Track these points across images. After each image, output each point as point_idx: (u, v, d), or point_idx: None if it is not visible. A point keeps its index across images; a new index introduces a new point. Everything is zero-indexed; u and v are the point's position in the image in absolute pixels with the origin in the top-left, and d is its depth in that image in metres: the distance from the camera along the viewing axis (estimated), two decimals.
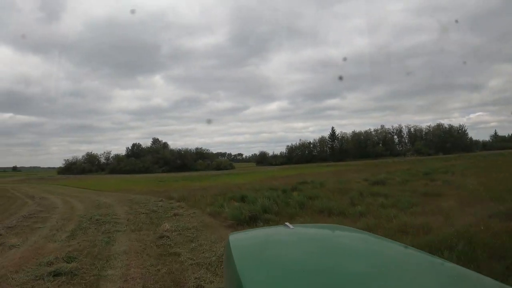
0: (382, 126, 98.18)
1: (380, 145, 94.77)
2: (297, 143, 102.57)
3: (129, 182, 37.52)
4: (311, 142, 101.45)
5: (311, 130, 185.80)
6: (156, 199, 16.07)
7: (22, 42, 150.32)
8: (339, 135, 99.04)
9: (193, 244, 6.91)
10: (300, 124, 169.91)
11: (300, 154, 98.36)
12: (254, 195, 14.12)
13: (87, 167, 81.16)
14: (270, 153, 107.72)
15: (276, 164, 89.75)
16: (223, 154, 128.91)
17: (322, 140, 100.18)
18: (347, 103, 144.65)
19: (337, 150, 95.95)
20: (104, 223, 9.84)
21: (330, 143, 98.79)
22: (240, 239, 2.19)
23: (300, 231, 2.18)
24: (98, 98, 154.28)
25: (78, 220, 10.66)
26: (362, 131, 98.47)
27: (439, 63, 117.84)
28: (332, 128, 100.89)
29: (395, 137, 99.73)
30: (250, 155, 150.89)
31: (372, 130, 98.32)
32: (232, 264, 1.60)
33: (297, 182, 23.81)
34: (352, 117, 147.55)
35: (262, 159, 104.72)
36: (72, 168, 79.42)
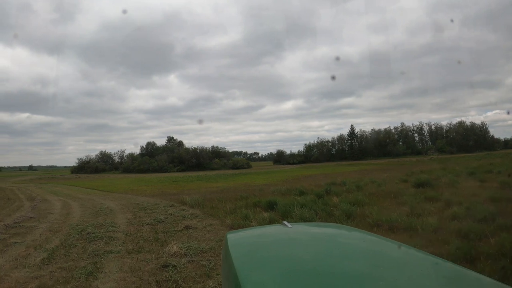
0: (402, 124, 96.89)
1: (400, 143, 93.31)
2: (315, 142, 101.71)
3: (141, 182, 35.90)
4: (329, 140, 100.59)
5: (326, 129, 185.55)
6: (167, 203, 14.05)
7: (38, 44, 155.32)
8: (358, 133, 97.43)
9: (211, 283, 4.73)
10: (315, 123, 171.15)
11: (318, 153, 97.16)
12: (284, 200, 11.95)
13: (100, 166, 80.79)
14: (287, 152, 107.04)
15: (294, 163, 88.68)
16: (239, 153, 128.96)
17: (340, 138, 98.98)
18: (363, 101, 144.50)
19: (356, 148, 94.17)
20: (96, 238, 7.80)
21: (350, 141, 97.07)
22: (238, 238, 2.20)
23: (298, 230, 2.20)
24: (114, 97, 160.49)
25: (67, 232, 8.69)
26: (382, 128, 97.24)
27: (455, 60, 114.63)
28: (351, 125, 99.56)
29: (415, 135, 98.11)
30: (266, 154, 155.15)
31: (392, 128, 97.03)
32: (230, 263, 1.62)
33: (327, 184, 21.70)
34: (368, 116, 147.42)
35: (279, 158, 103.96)
36: (85, 167, 79.15)
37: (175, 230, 8.25)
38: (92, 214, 11.80)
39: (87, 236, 8.08)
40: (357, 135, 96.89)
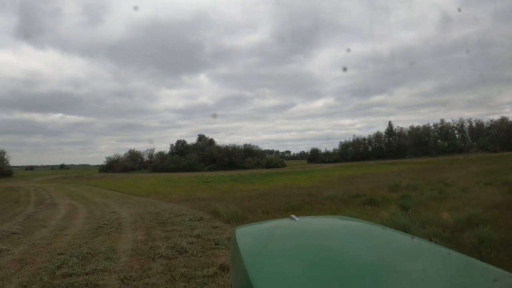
0: (442, 121, 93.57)
1: (439, 141, 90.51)
2: (351, 140, 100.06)
3: (169, 182, 33.37)
4: (365, 138, 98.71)
5: (358, 127, 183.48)
6: (194, 214, 10.90)
7: (69, 46, 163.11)
8: (396, 130, 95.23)
9: None
10: (347, 121, 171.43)
11: (354, 151, 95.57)
12: (359, 214, 8.48)
13: (129, 164, 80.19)
14: (322, 150, 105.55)
15: (329, 162, 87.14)
16: (270, 152, 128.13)
17: (377, 136, 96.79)
18: (394, 99, 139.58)
19: (394, 146, 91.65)
20: (72, 286, 4.71)
21: (388, 139, 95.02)
22: (246, 232, 2.26)
23: (306, 223, 2.23)
24: (145, 97, 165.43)
25: (36, 269, 5.67)
26: (420, 126, 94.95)
27: (489, 55, 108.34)
28: (389, 122, 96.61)
29: (455, 132, 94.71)
30: (298, 152, 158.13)
31: (431, 125, 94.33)
32: (239, 258, 1.65)
33: (390, 187, 18.05)
34: (400, 114, 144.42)
35: (314, 157, 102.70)
36: (114, 166, 78.80)
37: (204, 275, 4.95)
38: (93, 231, 8.82)
39: (60, 281, 5.00)
40: (395, 133, 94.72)
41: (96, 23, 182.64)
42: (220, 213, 10.34)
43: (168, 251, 6.21)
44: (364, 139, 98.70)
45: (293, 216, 2.23)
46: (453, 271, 1.41)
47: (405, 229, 6.33)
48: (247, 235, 2.18)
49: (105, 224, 9.61)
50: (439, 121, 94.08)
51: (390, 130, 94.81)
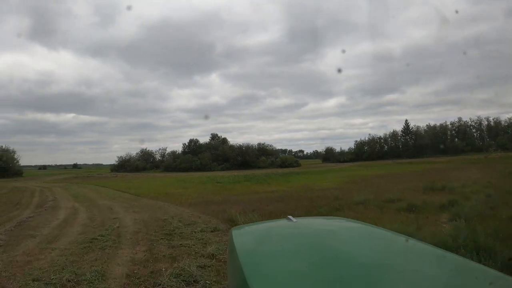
0: (460, 119, 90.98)
1: (456, 140, 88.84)
2: (366, 138, 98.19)
3: (180, 183, 32.10)
4: (381, 137, 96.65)
5: (370, 126, 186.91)
6: (207, 224, 9.37)
7: (81, 47, 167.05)
8: (412, 129, 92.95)
9: None
10: (359, 120, 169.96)
11: (370, 150, 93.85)
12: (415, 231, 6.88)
13: (140, 164, 79.33)
14: (335, 149, 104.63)
15: (344, 161, 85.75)
16: (283, 151, 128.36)
17: (394, 134, 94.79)
18: (407, 98, 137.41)
19: (410, 145, 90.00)
20: None
21: (405, 137, 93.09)
22: (243, 233, 2.30)
23: (303, 224, 2.23)
24: (157, 97, 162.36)
25: None
26: (437, 124, 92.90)
27: (503, 52, 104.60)
28: (406, 121, 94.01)
29: (473, 130, 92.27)
30: (312, 151, 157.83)
31: (448, 123, 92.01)
32: (235, 258, 1.64)
33: (425, 188, 16.40)
34: (412, 112, 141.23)
35: (328, 156, 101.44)
36: (125, 165, 78.04)
37: None
38: (86, 244, 7.41)
39: None
40: (411, 131, 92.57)
41: (108, 24, 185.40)
42: (237, 221, 8.81)
43: (172, 280, 4.70)
44: (379, 138, 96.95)
45: (290, 217, 2.21)
46: (450, 273, 1.41)
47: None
48: (244, 235, 2.22)
49: (101, 236, 8.18)
50: (456, 119, 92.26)
51: (406, 129, 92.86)
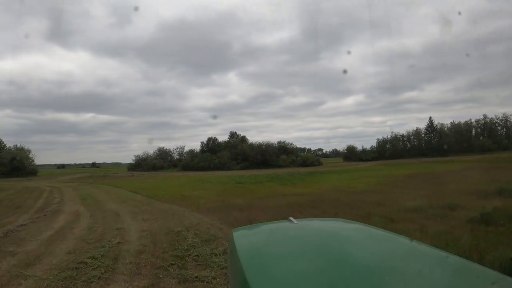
0: (485, 116, 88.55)
1: (481, 138, 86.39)
2: (388, 136, 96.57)
3: (198, 182, 30.33)
4: (404, 134, 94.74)
5: (389, 124, 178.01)
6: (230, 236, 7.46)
7: (98, 47, 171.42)
8: (437, 126, 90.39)
9: None
10: (377, 118, 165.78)
11: (392, 149, 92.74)
12: None
13: (158, 163, 78.22)
14: (357, 148, 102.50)
15: (366, 160, 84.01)
16: (302, 150, 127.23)
17: (417, 132, 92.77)
18: (426, 96, 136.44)
19: (435, 143, 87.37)
20: None
21: (429, 135, 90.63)
22: (244, 234, 2.34)
23: (304, 226, 2.26)
24: (175, 96, 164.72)
25: None
26: (461, 121, 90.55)
27: None
28: (430, 118, 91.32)
29: (498, 128, 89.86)
30: (331, 150, 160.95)
31: (473, 120, 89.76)
32: (236, 260, 1.66)
33: (480, 191, 14.19)
34: (431, 110, 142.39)
35: (350, 154, 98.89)
36: (142, 164, 77.07)
37: None
38: (70, 271, 5.54)
39: None
40: (435, 129, 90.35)
41: (124, 24, 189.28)
42: None
43: None
44: (402, 136, 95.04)
45: (291, 218, 2.24)
46: (452, 274, 1.43)
47: None
48: (245, 236, 2.24)
49: (93, 258, 6.27)
50: (481, 117, 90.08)
51: (430, 126, 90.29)
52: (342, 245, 1.81)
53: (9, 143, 71.73)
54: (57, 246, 7.57)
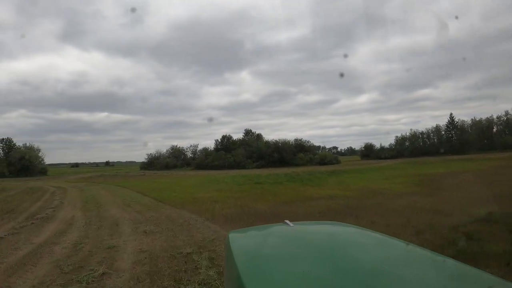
0: (507, 112, 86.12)
1: (503, 134, 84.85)
2: (407, 134, 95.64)
3: (213, 183, 28.27)
4: (423, 132, 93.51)
5: (403, 122, 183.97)
6: None
7: (112, 47, 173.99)
8: (457, 123, 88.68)
9: None
10: (392, 116, 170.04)
11: (412, 147, 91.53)
12: None
13: (171, 162, 76.76)
14: (375, 145, 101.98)
15: (385, 158, 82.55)
16: (316, 148, 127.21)
17: (437, 129, 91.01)
18: (440, 93, 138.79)
19: (454, 141, 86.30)
20: None
21: (451, 132, 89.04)
22: (240, 237, 2.27)
23: (300, 229, 2.25)
24: (188, 95, 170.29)
25: None
26: (483, 118, 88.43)
27: None
28: (451, 114, 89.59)
29: None
30: (346, 148, 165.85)
31: (494, 117, 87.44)
32: (232, 263, 1.66)
33: None
34: (446, 108, 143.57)
35: (368, 152, 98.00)
36: (155, 163, 75.76)
37: None
38: None
39: None
40: (456, 126, 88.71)
41: (137, 24, 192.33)
42: None
43: None
44: (421, 133, 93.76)
45: (287, 221, 2.25)
46: (448, 278, 1.42)
47: None
48: (241, 239, 2.19)
49: None
50: (503, 113, 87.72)
51: (451, 123, 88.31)
52: (338, 248, 1.82)
53: (25, 142, 71.33)
54: (21, 276, 5.55)
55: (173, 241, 7.67)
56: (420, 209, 10.98)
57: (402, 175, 28.96)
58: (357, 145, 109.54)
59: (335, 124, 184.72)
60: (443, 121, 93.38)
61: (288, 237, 2.03)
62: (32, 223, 11.06)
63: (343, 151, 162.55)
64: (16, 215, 13.12)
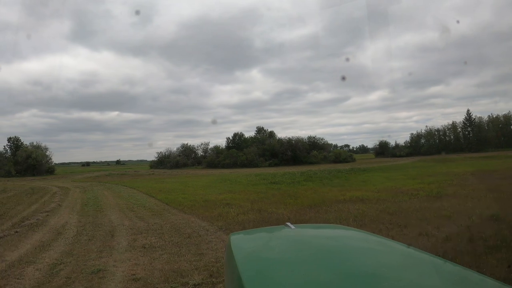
0: None
1: None
2: (423, 131, 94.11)
3: (225, 183, 26.64)
4: (439, 129, 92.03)
5: (415, 120, 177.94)
6: None
7: (122, 47, 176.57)
8: (475, 120, 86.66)
9: None
10: (403, 114, 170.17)
11: (428, 144, 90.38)
12: None
13: (181, 160, 75.44)
14: (390, 143, 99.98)
15: (400, 156, 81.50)
16: (330, 145, 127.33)
17: (454, 126, 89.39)
18: (452, 90, 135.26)
19: (472, 138, 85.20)
20: None
21: (468, 129, 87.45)
22: (241, 239, 2.26)
23: (301, 231, 2.22)
24: (199, 94, 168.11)
25: None
26: (500, 114, 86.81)
27: None
28: (468, 111, 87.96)
29: None
30: (358, 146, 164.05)
31: (511, 113, 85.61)
32: (233, 264, 1.64)
33: None
34: (458, 105, 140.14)
35: (383, 150, 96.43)
36: (165, 162, 74.60)
37: None
38: None
39: None
40: (473, 123, 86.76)
41: (147, 23, 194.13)
42: None
43: None
44: (437, 130, 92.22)
45: (288, 223, 2.18)
46: (449, 282, 1.40)
47: None
48: (242, 241, 2.18)
49: None
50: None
51: (468, 120, 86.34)
52: (339, 251, 1.79)
53: (37, 141, 70.87)
54: None
55: (177, 262, 6.00)
56: (479, 216, 9.11)
57: (428, 174, 26.91)
58: (369, 143, 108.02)
59: (346, 122, 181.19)
60: (455, 119, 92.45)
61: (289, 240, 2.01)
62: (16, 231, 9.58)
63: (355, 149, 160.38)
64: (4, 220, 11.70)
